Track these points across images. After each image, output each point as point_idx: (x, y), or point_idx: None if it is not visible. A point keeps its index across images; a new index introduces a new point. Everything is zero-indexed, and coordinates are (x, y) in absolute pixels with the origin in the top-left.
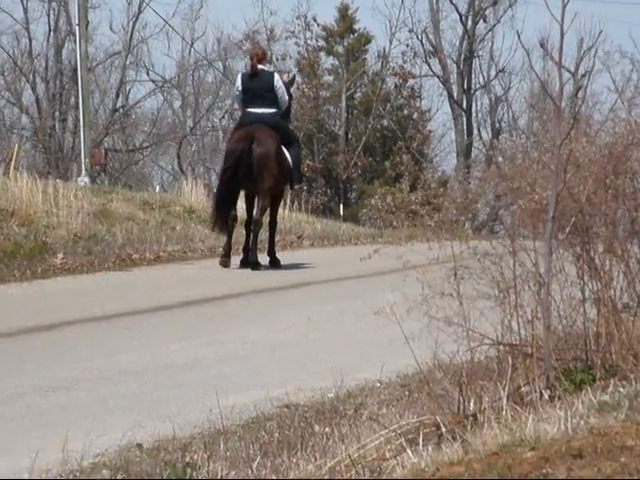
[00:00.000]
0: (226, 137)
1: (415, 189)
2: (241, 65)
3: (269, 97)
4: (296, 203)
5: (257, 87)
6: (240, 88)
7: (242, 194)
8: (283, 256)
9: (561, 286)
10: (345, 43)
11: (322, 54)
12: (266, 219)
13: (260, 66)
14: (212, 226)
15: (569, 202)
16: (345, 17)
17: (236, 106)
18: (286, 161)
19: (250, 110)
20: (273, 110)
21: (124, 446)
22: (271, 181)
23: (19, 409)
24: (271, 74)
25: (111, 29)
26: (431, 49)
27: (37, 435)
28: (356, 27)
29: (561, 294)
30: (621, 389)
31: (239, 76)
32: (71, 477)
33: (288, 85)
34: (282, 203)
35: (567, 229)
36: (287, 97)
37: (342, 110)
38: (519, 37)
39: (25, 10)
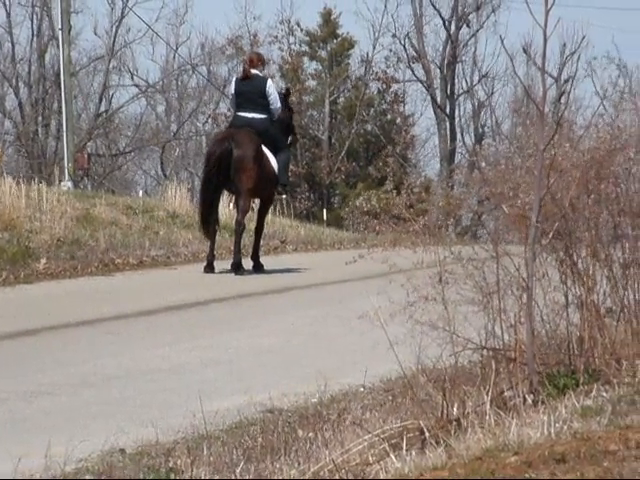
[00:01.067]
0: (209, 142)
1: (399, 193)
2: (224, 70)
3: (261, 102)
4: (279, 208)
5: (249, 91)
6: (233, 91)
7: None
8: (267, 261)
9: (544, 291)
10: (328, 48)
11: (305, 59)
12: (253, 223)
13: (254, 71)
14: (200, 230)
15: (552, 207)
16: (328, 22)
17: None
18: (269, 165)
19: (240, 114)
20: (264, 116)
21: (107, 451)
22: (250, 183)
23: (1, 414)
24: (264, 79)
25: (95, 33)
26: (414, 54)
27: (20, 440)
28: (339, 32)
29: (544, 299)
30: (604, 394)
31: (233, 79)
32: None
33: (285, 97)
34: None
35: (550, 234)
36: (279, 105)
37: (325, 115)
38: (502, 42)
39: (8, 14)
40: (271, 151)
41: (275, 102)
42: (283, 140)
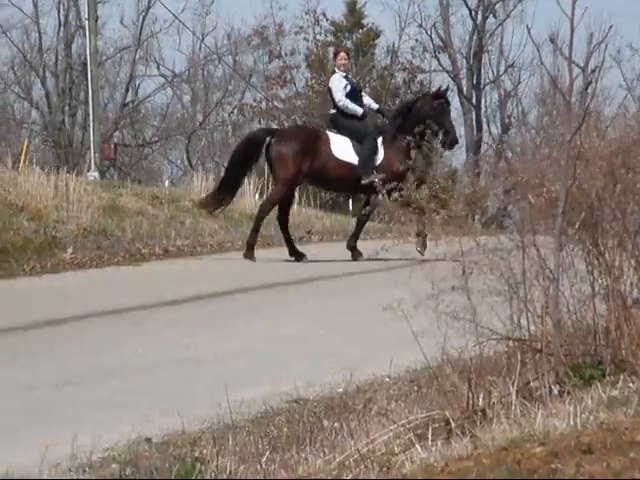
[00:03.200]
0: (235, 133)
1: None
2: (250, 60)
3: (329, 99)
4: (305, 198)
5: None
6: None
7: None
8: None
9: (571, 281)
10: (354, 38)
11: (331, 49)
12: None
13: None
14: (206, 202)
15: (579, 197)
16: (354, 12)
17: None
18: (332, 158)
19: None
20: (332, 111)
21: (133, 440)
22: (284, 173)
23: (29, 403)
24: (331, 76)
25: (121, 23)
26: (440, 44)
27: (47, 429)
28: (365, 22)
29: (571, 289)
30: (631, 384)
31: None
32: (80, 471)
33: (432, 96)
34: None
35: (577, 224)
36: (340, 99)
37: None
38: (529, 32)
39: (35, 4)
40: (357, 143)
41: (336, 97)
42: (365, 131)
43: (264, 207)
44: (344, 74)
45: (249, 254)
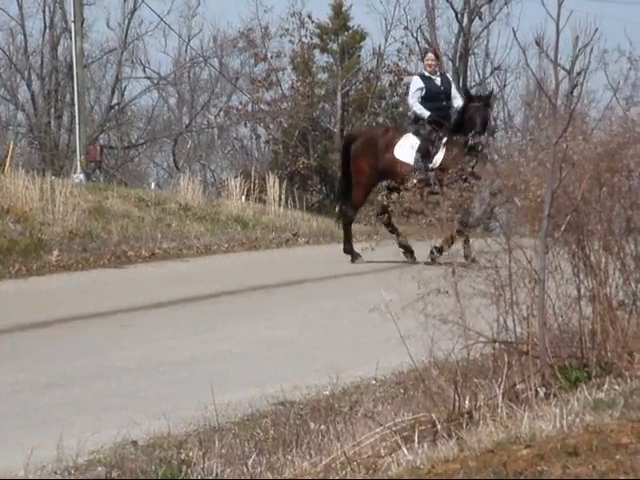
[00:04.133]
0: (221, 135)
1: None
2: (236, 62)
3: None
4: (290, 200)
5: None
6: None
7: None
8: (279, 254)
9: (557, 284)
10: (339, 40)
11: (316, 52)
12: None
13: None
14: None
15: (565, 200)
16: (339, 14)
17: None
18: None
19: None
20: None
21: (119, 443)
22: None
23: (14, 406)
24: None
25: (107, 26)
26: (426, 46)
27: (32, 432)
28: (350, 24)
29: (557, 292)
30: (616, 387)
31: None
32: (66, 474)
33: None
34: (278, 200)
35: (562, 227)
36: (409, 100)
37: (337, 107)
38: (515, 35)
39: (20, 6)
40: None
41: (408, 99)
42: (417, 130)
43: (348, 213)
44: (428, 75)
45: (356, 256)
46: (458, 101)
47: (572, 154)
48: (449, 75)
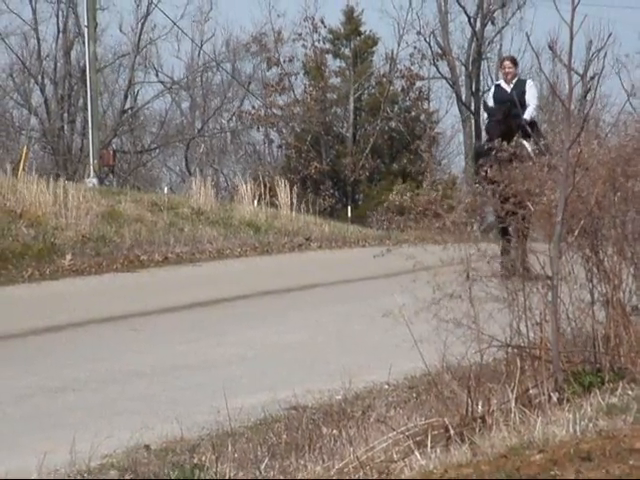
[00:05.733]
0: (233, 140)
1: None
2: (249, 67)
3: None
4: (303, 205)
5: None
6: None
7: None
8: (291, 258)
9: (570, 288)
10: (351, 45)
11: (329, 56)
12: None
13: None
14: None
15: (578, 204)
16: (351, 19)
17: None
18: None
19: None
20: None
21: (132, 447)
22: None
23: (28, 410)
24: None
25: (120, 30)
26: (439, 51)
27: (45, 436)
28: (362, 29)
29: (570, 296)
30: (630, 392)
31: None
32: (79, 478)
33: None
34: (291, 204)
35: (576, 231)
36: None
37: (350, 112)
38: (528, 39)
39: (34, 11)
40: None
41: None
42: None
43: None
44: (501, 84)
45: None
46: (528, 110)
47: (586, 158)
48: (529, 83)
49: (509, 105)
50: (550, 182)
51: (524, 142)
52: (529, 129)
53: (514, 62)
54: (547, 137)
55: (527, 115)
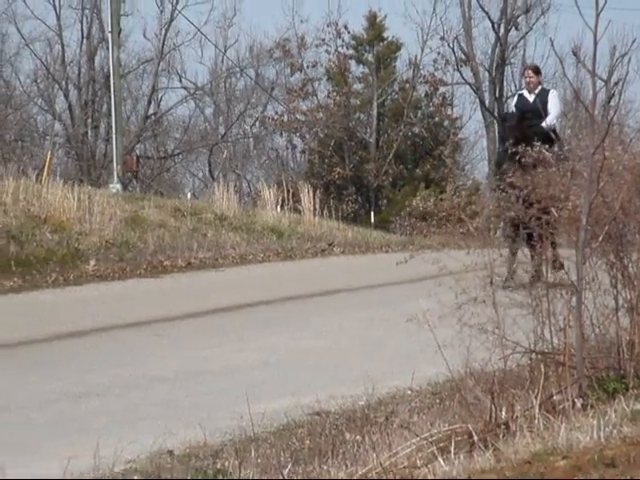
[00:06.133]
0: (256, 145)
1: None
2: (272, 72)
3: None
4: (326, 210)
5: None
6: None
7: None
8: (314, 263)
9: (594, 294)
10: (375, 51)
11: (352, 62)
12: None
13: None
14: None
15: (603, 210)
16: (374, 25)
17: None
18: None
19: None
20: None
21: (155, 452)
22: None
23: (51, 415)
24: None
25: (144, 36)
26: (463, 57)
27: (69, 441)
28: (385, 35)
29: (594, 302)
30: None
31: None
32: None
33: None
34: (314, 210)
35: (600, 237)
36: None
37: (373, 118)
38: (552, 45)
39: (58, 17)
40: None
41: None
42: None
43: None
44: (524, 93)
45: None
46: (548, 118)
47: (613, 163)
48: (553, 93)
49: (523, 112)
50: (574, 188)
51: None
52: (552, 135)
53: (536, 71)
54: (565, 144)
55: (544, 123)
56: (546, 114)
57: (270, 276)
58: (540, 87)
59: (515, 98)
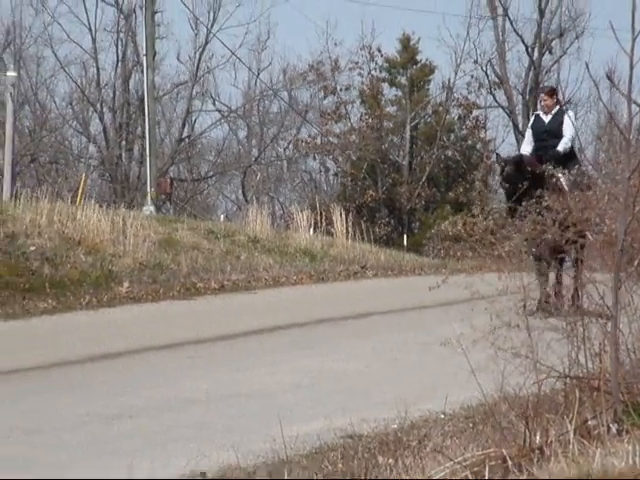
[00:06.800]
0: (290, 168)
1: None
2: (306, 95)
3: None
4: (359, 233)
5: None
6: None
7: None
8: (347, 286)
9: (630, 319)
10: (408, 74)
11: (385, 85)
12: None
13: None
14: None
15: (639, 234)
16: (407, 48)
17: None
18: None
19: None
20: None
21: (188, 475)
22: None
23: (84, 437)
24: None
25: (178, 59)
26: (496, 80)
27: (102, 463)
28: (419, 58)
29: (630, 327)
30: None
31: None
32: None
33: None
34: (346, 232)
35: (636, 261)
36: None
37: (406, 140)
38: (587, 68)
39: (94, 40)
40: None
41: None
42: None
43: None
44: (540, 114)
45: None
46: (562, 140)
47: None
48: (569, 114)
49: (520, 156)
50: (610, 211)
51: (559, 174)
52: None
53: (551, 94)
54: (584, 164)
55: (561, 147)
56: (556, 136)
57: (302, 299)
58: (557, 107)
59: (532, 118)
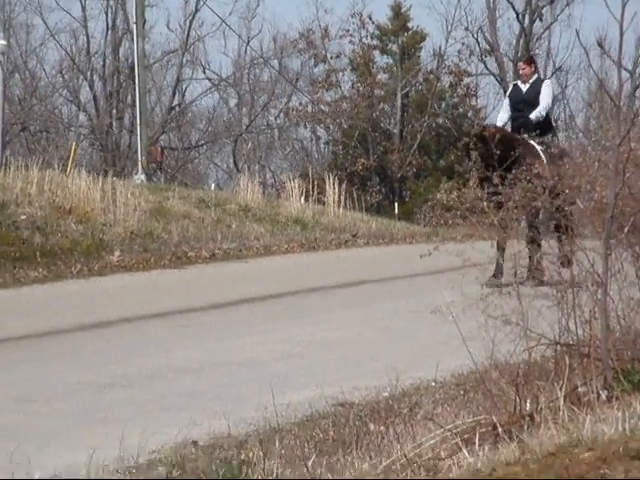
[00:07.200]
0: (281, 136)
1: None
2: (296, 63)
3: None
4: (350, 201)
5: None
6: None
7: None
8: (338, 255)
9: (620, 286)
10: (399, 41)
11: (376, 53)
12: None
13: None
14: None
15: (629, 201)
16: (398, 15)
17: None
18: None
19: None
20: None
21: (180, 443)
22: None
23: (76, 405)
24: None
25: (168, 27)
26: (487, 47)
27: (94, 431)
28: (410, 25)
29: (619, 294)
30: None
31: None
32: (127, 474)
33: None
34: (337, 201)
35: (626, 228)
36: None
37: (397, 108)
38: (578, 35)
39: (83, 8)
40: None
41: None
42: None
43: None
44: (518, 83)
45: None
46: (536, 109)
47: (637, 155)
48: (546, 82)
49: (483, 127)
50: (600, 179)
51: (531, 141)
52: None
53: (529, 63)
54: (558, 134)
55: (533, 115)
56: (532, 105)
57: (294, 267)
58: (535, 76)
59: (510, 87)
